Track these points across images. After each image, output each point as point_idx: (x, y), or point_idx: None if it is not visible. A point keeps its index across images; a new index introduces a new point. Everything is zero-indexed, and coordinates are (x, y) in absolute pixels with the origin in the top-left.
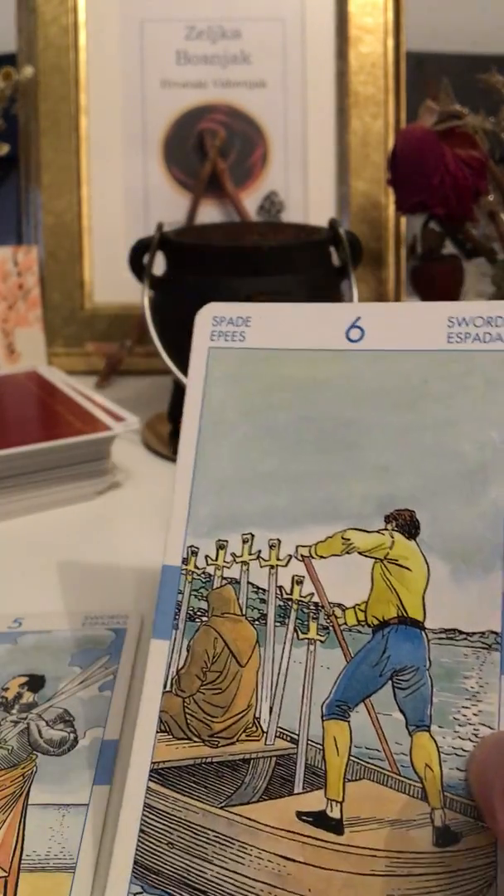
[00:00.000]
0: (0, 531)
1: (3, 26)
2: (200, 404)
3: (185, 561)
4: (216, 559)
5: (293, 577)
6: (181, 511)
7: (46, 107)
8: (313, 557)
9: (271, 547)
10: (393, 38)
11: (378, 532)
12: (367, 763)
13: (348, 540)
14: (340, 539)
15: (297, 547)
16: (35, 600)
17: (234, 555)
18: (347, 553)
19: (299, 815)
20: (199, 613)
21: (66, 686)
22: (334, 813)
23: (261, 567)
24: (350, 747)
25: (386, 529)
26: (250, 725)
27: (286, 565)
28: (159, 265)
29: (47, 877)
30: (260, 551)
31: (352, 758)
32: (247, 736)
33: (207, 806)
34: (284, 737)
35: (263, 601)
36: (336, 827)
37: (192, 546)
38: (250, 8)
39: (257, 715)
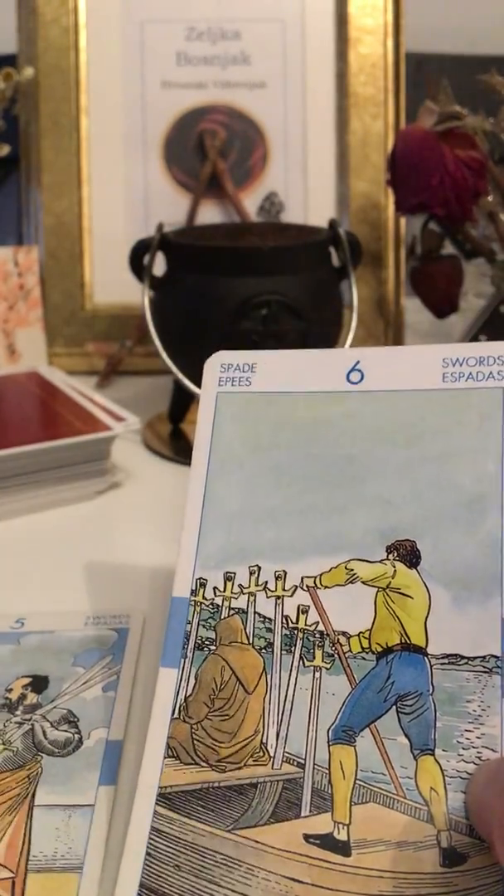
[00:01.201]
0: (0, 531)
1: (3, 27)
2: (209, 444)
3: (194, 592)
4: (224, 590)
5: (298, 607)
6: (190, 545)
7: (47, 107)
8: (318, 588)
9: (277, 578)
10: (393, 39)
11: (380, 562)
12: (374, 787)
13: (352, 570)
14: (344, 569)
15: (303, 578)
16: (35, 600)
17: (241, 586)
18: (351, 583)
19: (306, 837)
20: (206, 643)
21: (70, 687)
22: (341, 835)
23: (267, 597)
24: (356, 771)
25: (388, 559)
26: (257, 750)
27: (292, 595)
28: (159, 266)
29: (55, 877)
30: (266, 582)
31: (358, 781)
32: (254, 761)
33: (215, 829)
34: (291, 761)
35: (270, 630)
36: (343, 849)
37: (200, 578)
38: (250, 9)
39: (264, 740)
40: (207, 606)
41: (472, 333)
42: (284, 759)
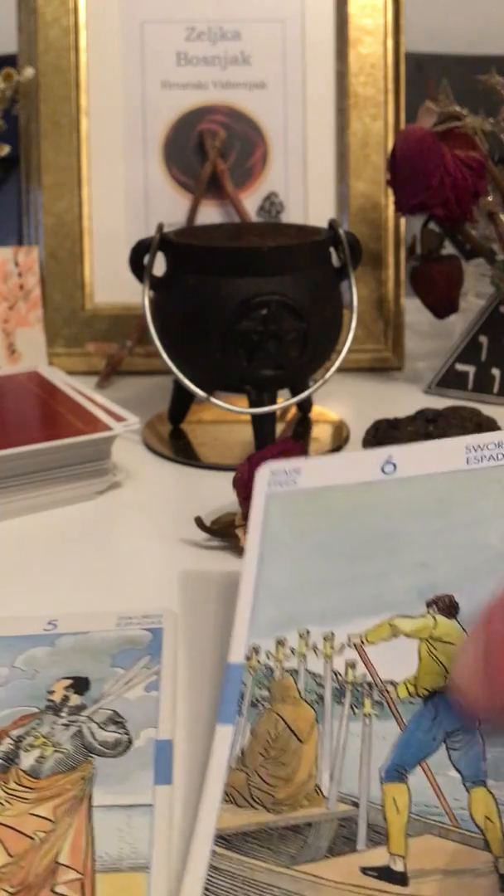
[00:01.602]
0: (0, 530)
1: (3, 27)
2: (260, 535)
3: (248, 658)
4: (276, 654)
5: (347, 662)
6: (244, 618)
7: (47, 108)
8: (364, 644)
9: (325, 639)
10: (392, 40)
11: (422, 616)
12: (428, 819)
13: (395, 626)
14: (388, 626)
15: (349, 636)
16: (35, 600)
17: (292, 649)
18: (395, 637)
19: (363, 869)
20: (261, 700)
21: (112, 687)
22: (398, 866)
23: (317, 657)
24: (409, 806)
25: (429, 613)
26: (312, 793)
27: (340, 653)
28: (160, 266)
29: (123, 877)
30: (315, 644)
31: (412, 815)
32: (309, 802)
33: (272, 865)
34: (345, 801)
35: (320, 685)
36: (401, 879)
37: (254, 644)
38: (250, 9)
39: (318, 783)
40: (261, 668)
41: (472, 334)
42: (339, 798)
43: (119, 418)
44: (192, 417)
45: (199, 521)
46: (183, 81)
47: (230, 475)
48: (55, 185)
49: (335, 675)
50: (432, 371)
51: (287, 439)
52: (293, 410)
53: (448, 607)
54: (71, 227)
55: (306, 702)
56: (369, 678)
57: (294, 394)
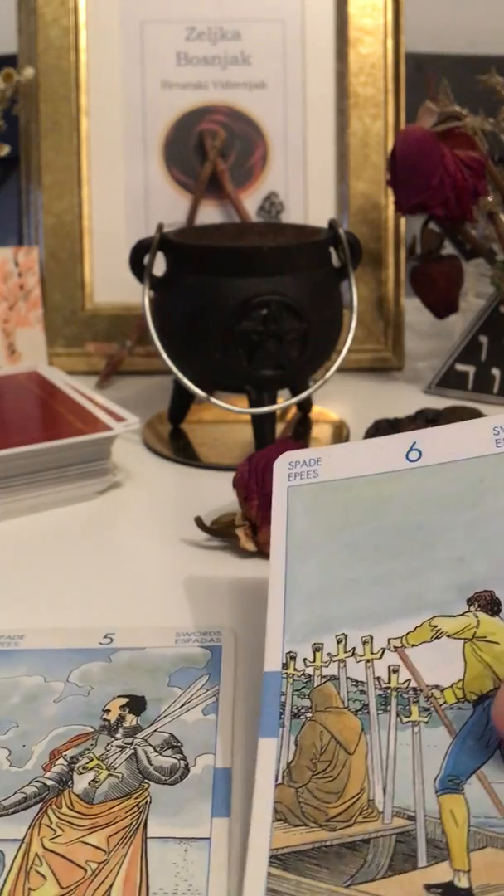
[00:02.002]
0: (0, 530)
1: (3, 27)
2: (285, 534)
3: (285, 666)
4: (314, 661)
5: (389, 667)
6: (276, 623)
7: (47, 108)
8: (405, 647)
9: (364, 643)
10: (392, 40)
11: (463, 615)
12: (489, 831)
13: (436, 626)
14: (429, 626)
15: (389, 640)
16: (36, 599)
17: (330, 654)
18: (437, 638)
19: (427, 887)
20: (302, 711)
21: (169, 709)
22: (462, 882)
23: (357, 662)
24: (468, 818)
25: (470, 611)
26: (366, 807)
27: (381, 657)
28: (160, 266)
29: None
30: (354, 648)
31: (472, 828)
32: (363, 818)
33: (332, 885)
34: (401, 815)
35: (363, 692)
36: (467, 895)
37: (290, 652)
38: (250, 9)
39: (371, 797)
40: (300, 677)
41: (472, 334)
42: (394, 813)
43: (119, 418)
44: (192, 417)
45: (199, 521)
46: (183, 81)
47: (230, 475)
48: (55, 185)
49: (377, 681)
50: (432, 371)
51: (287, 439)
52: (293, 410)
53: (489, 604)
54: (71, 227)
55: (350, 711)
56: (414, 683)
57: (294, 394)
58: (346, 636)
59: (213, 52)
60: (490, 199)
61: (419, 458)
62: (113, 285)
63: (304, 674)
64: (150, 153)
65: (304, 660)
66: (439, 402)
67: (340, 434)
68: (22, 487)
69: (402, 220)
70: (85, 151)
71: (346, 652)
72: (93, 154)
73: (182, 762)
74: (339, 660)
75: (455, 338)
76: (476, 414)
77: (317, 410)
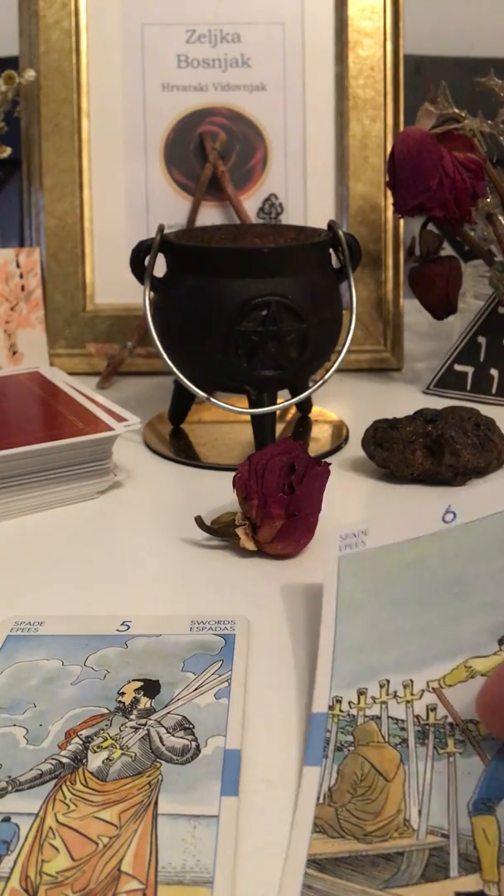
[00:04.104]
0: (1, 530)
1: (5, 30)
2: (336, 596)
3: (331, 707)
4: (358, 703)
5: (427, 706)
6: (325, 673)
7: (48, 110)
8: (443, 687)
9: (405, 686)
10: (392, 42)
11: (495, 654)
12: None
13: (471, 667)
14: (464, 668)
15: (428, 682)
16: (36, 598)
17: (374, 697)
18: (472, 678)
19: (458, 894)
20: (345, 745)
21: (183, 692)
22: (493, 892)
23: (398, 703)
24: (500, 836)
25: (501, 650)
26: (401, 826)
27: (420, 698)
28: (160, 267)
29: (185, 890)
30: (396, 691)
31: (503, 844)
32: (398, 834)
33: (366, 887)
34: (435, 833)
35: (403, 729)
36: None
37: (336, 696)
38: (250, 12)
39: (407, 817)
40: (344, 717)
41: (471, 334)
42: (428, 831)
43: (120, 418)
44: (193, 417)
45: (199, 521)
46: (183, 83)
47: (230, 475)
48: (56, 187)
49: (417, 718)
50: (431, 371)
51: (287, 439)
52: (293, 410)
53: None
54: (72, 229)
55: (390, 745)
56: (450, 719)
57: (294, 394)
58: (388, 681)
59: (213, 54)
60: (489, 200)
61: (454, 519)
62: (114, 286)
63: (348, 714)
64: (150, 155)
65: (350, 702)
66: (438, 403)
67: (340, 434)
68: (23, 487)
69: (402, 222)
70: (86, 153)
71: (388, 695)
72: (94, 156)
73: (193, 743)
74: (381, 702)
75: (454, 338)
76: (475, 414)
77: (316, 411)
